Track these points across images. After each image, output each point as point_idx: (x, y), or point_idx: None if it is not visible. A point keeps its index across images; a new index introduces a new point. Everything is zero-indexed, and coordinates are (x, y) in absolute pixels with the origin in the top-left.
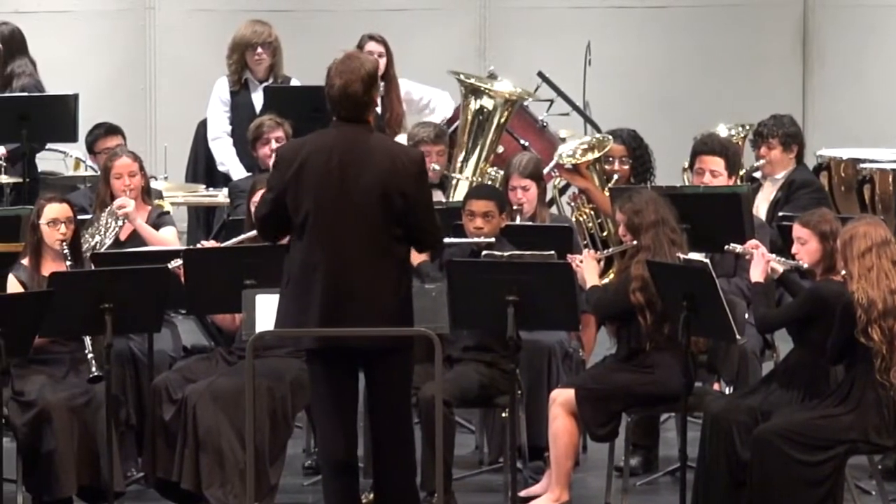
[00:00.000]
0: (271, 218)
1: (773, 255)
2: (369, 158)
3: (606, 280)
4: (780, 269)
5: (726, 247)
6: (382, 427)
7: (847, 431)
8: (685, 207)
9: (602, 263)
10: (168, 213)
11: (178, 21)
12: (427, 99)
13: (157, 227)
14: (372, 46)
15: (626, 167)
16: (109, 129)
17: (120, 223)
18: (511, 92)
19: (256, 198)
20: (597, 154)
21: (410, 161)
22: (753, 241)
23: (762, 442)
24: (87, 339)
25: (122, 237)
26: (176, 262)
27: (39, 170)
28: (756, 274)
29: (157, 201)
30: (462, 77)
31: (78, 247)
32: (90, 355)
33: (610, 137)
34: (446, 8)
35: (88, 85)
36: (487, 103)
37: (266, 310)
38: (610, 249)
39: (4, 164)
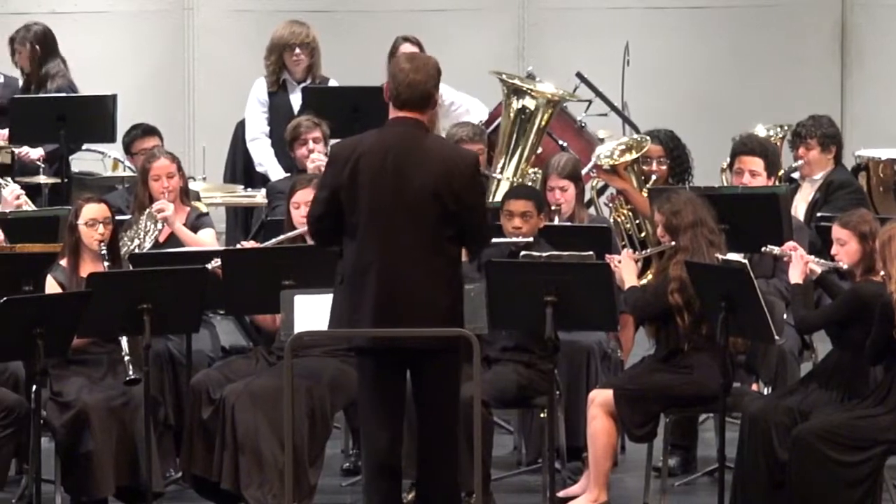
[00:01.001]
0: (326, 218)
1: (812, 257)
2: (424, 158)
3: (644, 281)
4: (819, 270)
5: (764, 248)
6: (430, 427)
7: (886, 432)
8: (723, 208)
9: (640, 264)
10: (206, 214)
11: (216, 22)
12: (459, 104)
13: (195, 228)
14: (406, 48)
15: (664, 168)
16: (146, 130)
17: (158, 227)
18: (553, 93)
19: (295, 198)
20: (634, 155)
21: (465, 162)
22: (791, 243)
23: (801, 442)
24: (124, 341)
25: (161, 239)
26: (215, 263)
27: (78, 170)
28: (795, 275)
29: (194, 202)
30: (504, 77)
31: (116, 247)
32: (126, 357)
33: (648, 138)
34: (485, 8)
35: (127, 85)
36: (529, 104)
37: (305, 310)
38: (648, 250)
39: (42, 165)
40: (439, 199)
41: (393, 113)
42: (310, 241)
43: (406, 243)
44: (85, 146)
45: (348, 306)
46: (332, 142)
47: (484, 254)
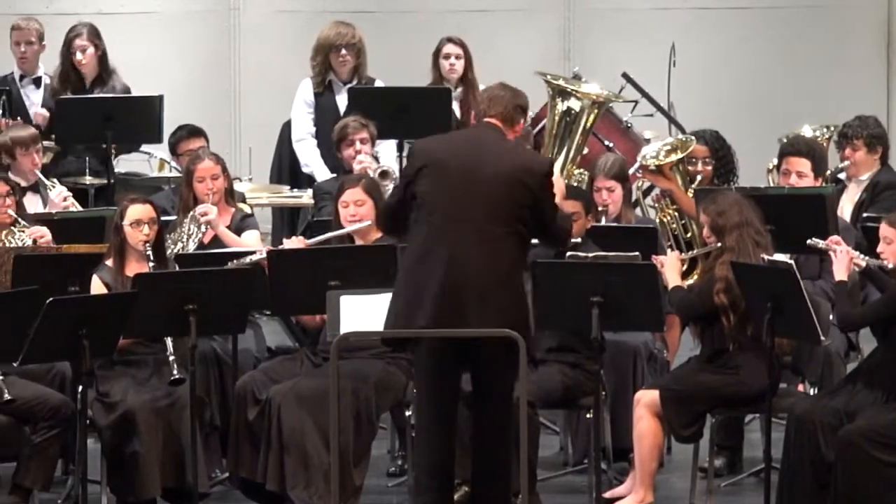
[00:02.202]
0: (399, 206)
1: (857, 253)
2: (498, 158)
3: (689, 282)
4: (864, 263)
5: (808, 241)
6: (486, 423)
7: None
8: (769, 209)
9: (685, 265)
10: (251, 215)
11: (262, 22)
12: None
13: (240, 230)
14: (450, 49)
15: (709, 168)
16: (192, 131)
17: (202, 230)
18: (598, 94)
19: (344, 197)
20: (680, 155)
21: (539, 164)
22: (835, 238)
23: (847, 443)
24: (169, 342)
25: (205, 241)
26: (259, 255)
27: (124, 171)
28: (839, 272)
29: (239, 204)
30: (549, 78)
31: (162, 248)
32: (172, 358)
33: (693, 138)
34: (531, 9)
35: (173, 86)
36: (575, 105)
37: (350, 311)
38: (695, 251)
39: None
40: (510, 192)
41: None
42: (358, 241)
43: (472, 237)
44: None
45: (408, 299)
46: (380, 142)
47: (530, 254)
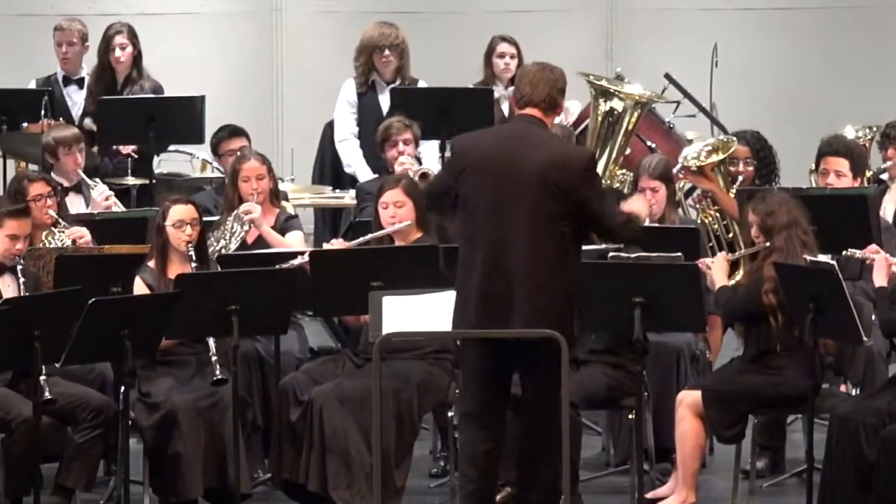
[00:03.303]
0: (440, 196)
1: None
2: (537, 149)
3: (733, 282)
4: None
5: (845, 252)
6: (530, 424)
7: None
8: (811, 209)
9: (730, 265)
10: (295, 216)
11: (304, 23)
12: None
13: (283, 231)
14: (504, 48)
15: (751, 168)
16: (234, 131)
17: (246, 228)
18: (641, 94)
19: (384, 198)
20: (721, 156)
21: (578, 156)
22: (873, 247)
23: (889, 443)
24: (212, 342)
25: (249, 241)
26: (302, 259)
27: (166, 171)
28: (879, 278)
29: (283, 204)
30: (592, 79)
31: (204, 248)
32: (214, 358)
33: (734, 139)
34: (573, 9)
35: (215, 86)
36: (617, 105)
37: (393, 312)
38: (742, 251)
39: (134, 157)
40: (549, 188)
41: (517, 114)
42: (397, 242)
43: (514, 232)
44: (173, 147)
45: (459, 296)
46: (423, 143)
47: None
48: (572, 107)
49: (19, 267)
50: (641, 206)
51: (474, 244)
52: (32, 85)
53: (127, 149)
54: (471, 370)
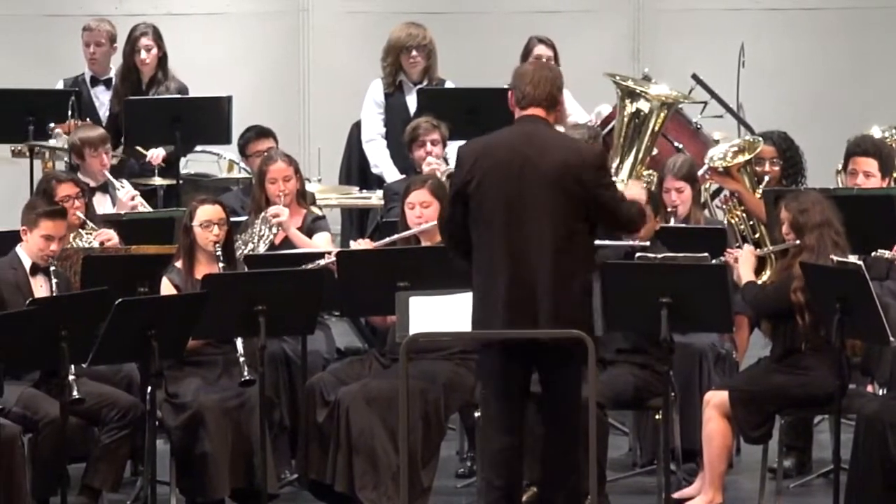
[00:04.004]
0: (454, 219)
1: None
2: (549, 149)
3: (761, 280)
4: None
5: (873, 253)
6: (553, 424)
7: None
8: (839, 209)
9: (756, 263)
10: (323, 218)
11: (331, 23)
12: (570, 112)
13: (311, 232)
14: (541, 49)
15: (777, 169)
16: (260, 132)
17: (274, 231)
18: (667, 95)
19: (410, 198)
20: (747, 156)
21: (591, 154)
22: None
23: None
24: (239, 342)
25: (276, 242)
26: (328, 259)
27: (193, 172)
28: None
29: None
30: (618, 79)
31: (231, 249)
32: (242, 359)
33: (760, 139)
34: (600, 10)
35: (242, 87)
36: (643, 106)
37: (420, 312)
38: (772, 247)
39: (161, 165)
40: (565, 188)
41: (518, 115)
42: (424, 243)
43: (535, 234)
44: (199, 147)
45: (481, 302)
46: (451, 143)
47: (599, 255)
48: (603, 110)
49: (52, 268)
50: (639, 190)
51: (494, 249)
52: (60, 85)
53: (157, 159)
54: (493, 374)
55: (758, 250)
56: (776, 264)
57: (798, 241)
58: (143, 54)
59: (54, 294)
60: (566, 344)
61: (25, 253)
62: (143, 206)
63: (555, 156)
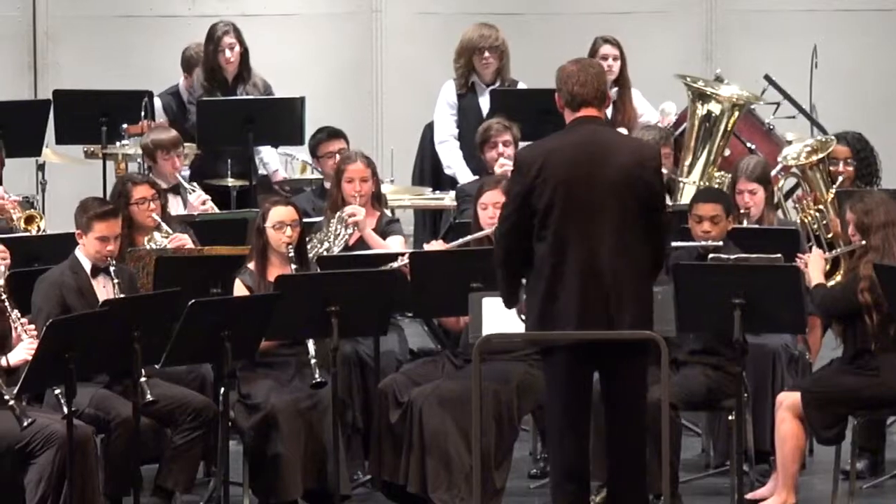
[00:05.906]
0: (515, 229)
1: None
2: (614, 152)
3: (832, 282)
4: None
5: None
6: (620, 426)
7: None
8: None
9: (829, 264)
10: (397, 220)
11: (404, 24)
12: (642, 112)
13: (385, 234)
14: (607, 49)
15: (851, 169)
16: (332, 133)
17: (349, 231)
18: (738, 96)
19: (483, 199)
20: (820, 155)
21: (651, 153)
22: None
23: None
24: (311, 344)
25: (350, 243)
26: (402, 261)
27: (262, 173)
28: None
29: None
30: (689, 81)
31: (304, 250)
32: (313, 360)
33: (833, 138)
34: (673, 11)
35: (315, 88)
36: (714, 108)
37: (493, 313)
38: (839, 249)
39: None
40: (632, 188)
41: (570, 117)
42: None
43: (605, 235)
44: (281, 150)
45: (547, 306)
46: (523, 144)
47: (672, 256)
48: (668, 107)
49: (112, 268)
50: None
51: (562, 253)
52: (158, 104)
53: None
54: (560, 376)
55: (826, 253)
56: (843, 266)
57: (864, 242)
58: (227, 53)
59: (116, 293)
60: (635, 345)
61: (84, 256)
62: (214, 211)
63: (621, 158)
